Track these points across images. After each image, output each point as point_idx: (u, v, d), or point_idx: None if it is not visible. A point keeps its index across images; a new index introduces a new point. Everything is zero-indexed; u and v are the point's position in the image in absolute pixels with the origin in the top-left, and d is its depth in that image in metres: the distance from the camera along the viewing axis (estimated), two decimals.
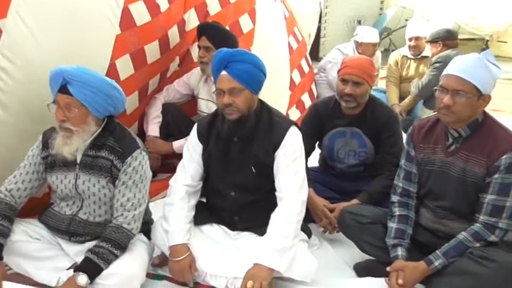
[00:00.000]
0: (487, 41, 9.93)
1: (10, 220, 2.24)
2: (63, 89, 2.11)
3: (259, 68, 2.31)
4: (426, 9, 9.48)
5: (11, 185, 2.29)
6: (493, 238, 2.17)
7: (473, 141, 2.22)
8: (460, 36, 6.47)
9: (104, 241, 2.19)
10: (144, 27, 3.16)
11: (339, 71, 2.89)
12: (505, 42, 9.93)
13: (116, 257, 2.19)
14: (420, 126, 2.42)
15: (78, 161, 2.26)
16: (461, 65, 2.16)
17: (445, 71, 2.20)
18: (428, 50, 5.19)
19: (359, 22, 9.89)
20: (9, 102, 2.50)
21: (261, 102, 2.44)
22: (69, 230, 2.32)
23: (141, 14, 3.14)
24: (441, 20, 8.76)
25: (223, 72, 2.27)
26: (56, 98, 2.15)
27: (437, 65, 4.63)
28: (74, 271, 2.12)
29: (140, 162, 2.26)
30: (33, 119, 2.55)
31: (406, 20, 9.76)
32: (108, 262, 2.15)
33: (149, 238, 2.48)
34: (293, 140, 2.35)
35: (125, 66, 3.07)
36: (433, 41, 4.85)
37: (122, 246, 2.21)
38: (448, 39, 4.73)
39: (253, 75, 2.29)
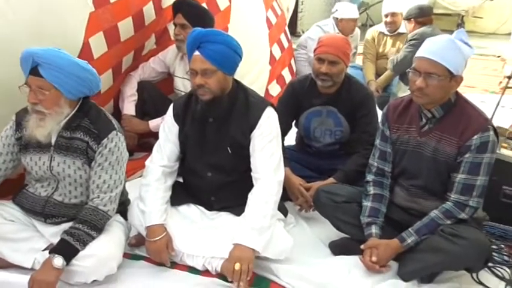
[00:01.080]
0: (463, 16, 10.00)
1: None
2: (34, 71, 2.06)
3: (234, 49, 2.28)
4: None
5: None
6: (463, 216, 2.22)
7: (446, 121, 2.25)
8: (435, 11, 6.47)
9: (79, 223, 2.18)
10: (117, 4, 3.10)
11: (315, 50, 2.88)
12: (481, 17, 10.03)
13: (92, 238, 2.18)
14: (395, 106, 2.44)
15: (52, 142, 2.23)
16: (433, 47, 2.17)
17: (417, 53, 2.21)
18: (404, 27, 5.21)
19: None
20: None
21: (237, 83, 2.43)
22: (44, 211, 2.30)
23: None
24: None
25: (196, 53, 2.25)
26: (27, 80, 2.10)
27: (412, 42, 4.63)
28: (50, 253, 2.11)
29: (116, 143, 2.23)
30: (5, 99, 2.48)
31: None
32: (84, 243, 2.15)
33: (126, 218, 2.47)
34: (269, 120, 2.35)
35: (98, 44, 3.01)
36: (406, 18, 4.84)
37: (98, 228, 2.21)
38: (419, 16, 4.71)
39: (226, 56, 2.26)
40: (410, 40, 4.68)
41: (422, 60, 2.17)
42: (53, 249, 2.13)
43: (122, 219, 2.44)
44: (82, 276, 2.16)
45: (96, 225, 2.20)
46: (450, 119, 2.25)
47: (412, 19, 4.76)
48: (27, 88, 2.11)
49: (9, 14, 2.50)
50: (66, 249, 2.12)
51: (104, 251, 2.19)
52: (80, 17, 2.88)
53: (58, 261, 2.07)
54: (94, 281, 2.20)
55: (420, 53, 2.19)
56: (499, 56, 7.83)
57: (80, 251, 2.14)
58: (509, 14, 9.86)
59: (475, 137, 2.17)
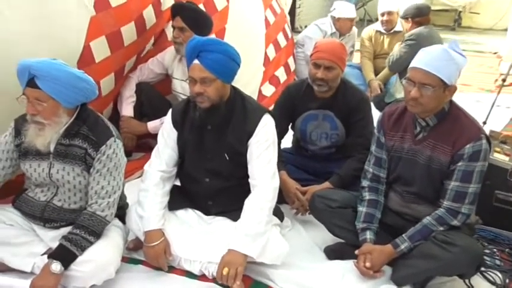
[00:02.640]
0: (460, 12, 10.00)
1: None
2: (32, 83, 2.06)
3: (232, 58, 2.29)
4: None
5: None
6: (455, 222, 2.24)
7: (439, 130, 2.27)
8: (433, 8, 6.45)
9: (77, 228, 2.19)
10: (118, 9, 3.11)
11: (311, 55, 2.89)
12: (477, 13, 10.02)
13: (90, 243, 2.19)
14: (389, 114, 2.46)
15: (51, 150, 2.24)
16: (427, 58, 2.18)
17: (412, 63, 2.22)
18: (400, 25, 5.23)
19: None
20: None
21: (235, 90, 2.44)
22: (43, 216, 2.32)
23: None
24: None
25: (196, 61, 2.26)
26: (24, 92, 2.10)
27: (409, 42, 4.65)
28: (48, 258, 2.13)
29: (114, 150, 2.25)
30: (7, 97, 2.43)
31: None
32: (82, 249, 2.16)
33: (124, 222, 2.49)
34: (266, 128, 2.37)
35: (101, 48, 3.03)
36: (403, 17, 4.85)
37: (96, 233, 2.22)
38: (417, 16, 4.72)
39: (225, 65, 2.27)
40: (407, 40, 4.69)
41: (417, 71, 2.18)
42: (51, 255, 2.14)
43: (120, 223, 2.45)
44: (80, 281, 2.18)
45: (94, 230, 2.21)
46: (444, 127, 2.26)
47: (409, 18, 4.76)
48: (25, 99, 2.11)
49: (9, 16, 2.50)
50: (64, 255, 2.13)
51: (102, 256, 2.20)
52: (81, 20, 2.89)
53: (56, 266, 2.09)
54: (92, 285, 2.21)
55: (414, 63, 2.20)
56: (495, 53, 7.82)
57: (78, 256, 2.15)
58: (507, 9, 9.81)
59: (468, 146, 2.19)
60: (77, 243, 2.16)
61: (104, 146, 2.22)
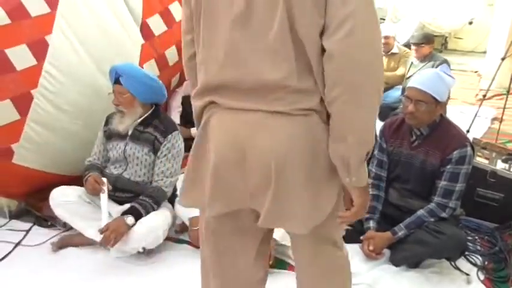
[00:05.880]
0: (446, 37, 9.84)
1: (101, 171, 2.48)
2: (117, 81, 2.33)
3: None
4: (397, 10, 9.34)
5: (94, 156, 2.53)
6: (444, 215, 2.23)
7: (431, 138, 2.26)
8: None
9: (146, 196, 2.34)
10: (161, 36, 3.16)
11: None
12: (461, 38, 9.85)
13: (153, 209, 2.33)
14: (390, 125, 2.45)
15: (129, 133, 2.43)
16: (422, 79, 2.18)
17: (409, 84, 2.22)
18: (396, 48, 5.18)
19: None
20: (59, 103, 2.53)
21: None
22: (115, 185, 2.42)
23: (158, 25, 3.16)
24: (408, 20, 8.68)
25: None
26: (113, 88, 2.37)
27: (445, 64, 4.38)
28: (124, 214, 2.25)
29: (177, 140, 2.43)
30: (81, 113, 2.62)
31: (382, 18, 9.63)
32: (147, 212, 2.30)
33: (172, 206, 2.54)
34: None
35: (152, 69, 3.06)
36: (418, 44, 4.57)
37: (159, 203, 2.37)
38: (432, 42, 4.62)
39: None
40: (444, 63, 4.46)
41: (413, 90, 2.17)
42: (126, 212, 2.26)
43: (169, 204, 2.51)
44: (135, 242, 2.22)
45: (158, 200, 2.36)
46: (435, 136, 2.25)
47: (423, 44, 4.54)
48: (113, 94, 2.39)
49: (78, 48, 2.61)
50: (134, 213, 2.26)
51: (152, 222, 2.28)
52: (135, 48, 2.96)
53: (131, 220, 2.22)
54: (152, 257, 2.30)
55: (411, 83, 2.20)
56: (476, 72, 7.68)
57: (143, 217, 2.27)
58: (485, 34, 9.63)
59: (455, 152, 2.18)
60: (145, 207, 2.30)
61: (170, 135, 2.40)
